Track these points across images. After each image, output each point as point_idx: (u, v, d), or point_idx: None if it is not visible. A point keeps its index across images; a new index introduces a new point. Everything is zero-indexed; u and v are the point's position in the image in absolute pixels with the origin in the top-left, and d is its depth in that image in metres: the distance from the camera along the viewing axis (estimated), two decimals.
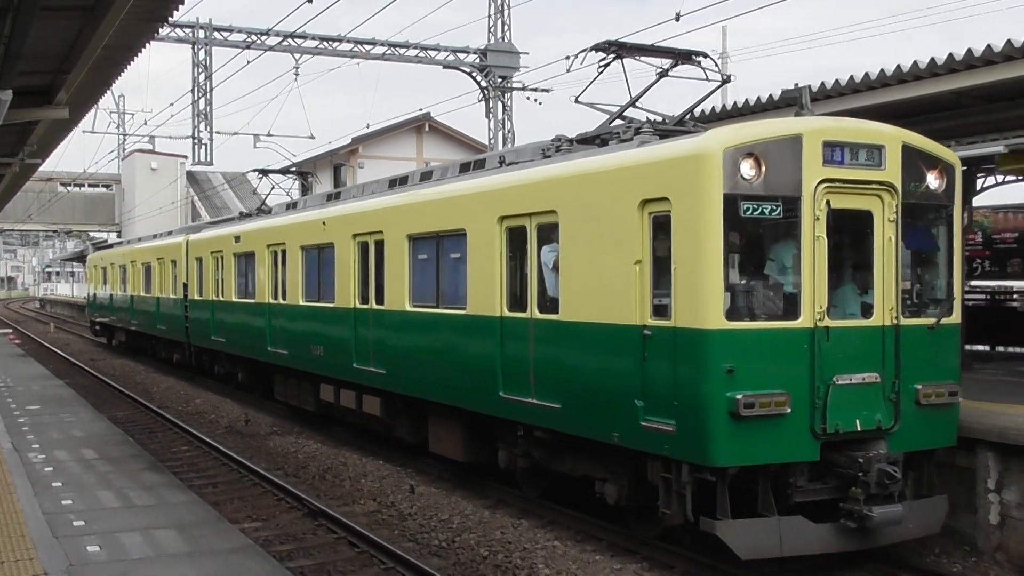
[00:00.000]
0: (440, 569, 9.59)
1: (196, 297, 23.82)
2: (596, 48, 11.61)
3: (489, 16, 36.01)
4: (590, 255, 10.04)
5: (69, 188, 61.57)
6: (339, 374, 15.82)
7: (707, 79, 11.65)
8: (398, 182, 15.43)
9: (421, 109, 42.11)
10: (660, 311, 9.17)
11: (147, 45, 13.80)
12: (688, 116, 11.71)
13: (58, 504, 10.72)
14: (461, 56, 36.27)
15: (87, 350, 38.36)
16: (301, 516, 11.92)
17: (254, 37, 34.04)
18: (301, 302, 17.26)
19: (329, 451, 15.91)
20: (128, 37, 12.56)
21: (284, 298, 18.06)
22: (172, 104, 65.10)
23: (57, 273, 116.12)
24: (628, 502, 10.09)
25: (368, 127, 40.95)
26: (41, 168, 28.90)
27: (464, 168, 13.60)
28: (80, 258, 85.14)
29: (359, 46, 34.85)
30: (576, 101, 11.92)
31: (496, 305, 11.43)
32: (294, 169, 28.76)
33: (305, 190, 25.56)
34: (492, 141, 36.93)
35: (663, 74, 11.79)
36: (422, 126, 44.49)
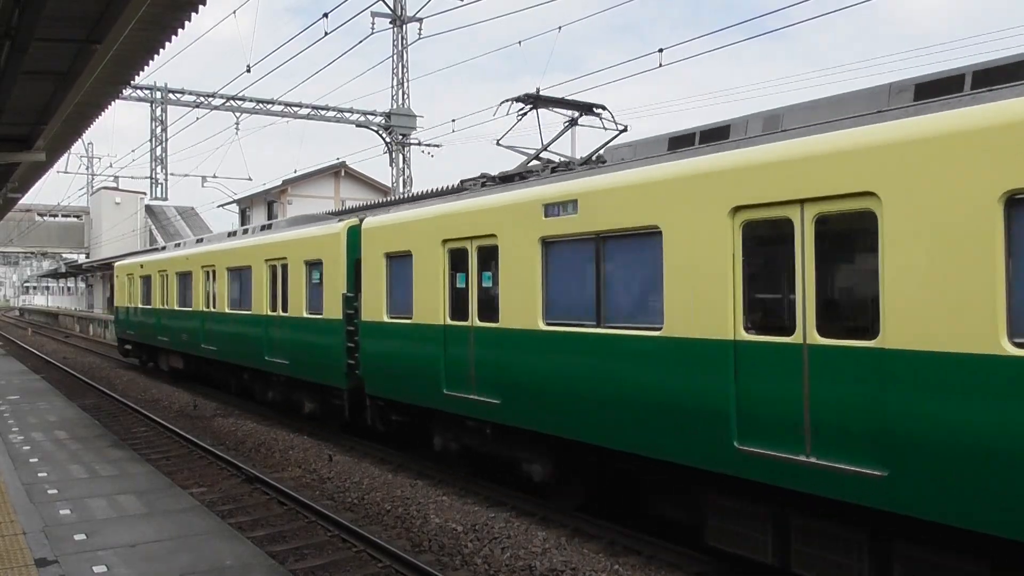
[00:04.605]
0: (353, 521, 9.48)
1: (386, 319, 11.61)
2: (516, 99, 10.14)
3: (392, 87, 35.99)
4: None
5: (45, 218, 58.72)
6: None
7: (604, 128, 10.13)
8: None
9: (338, 158, 41.80)
10: None
11: (112, 103, 13.38)
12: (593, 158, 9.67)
13: (35, 476, 10.20)
14: (370, 117, 36.09)
15: (60, 350, 36.30)
16: (240, 482, 11.58)
17: (202, 99, 33.16)
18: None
19: (263, 429, 15.48)
20: (96, 96, 12.19)
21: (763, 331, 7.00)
22: (133, 151, 62.78)
23: (34, 287, 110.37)
24: None
25: (295, 171, 40.62)
26: (21, 201, 27.48)
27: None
28: (54, 274, 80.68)
29: (288, 107, 34.33)
30: (498, 143, 10.45)
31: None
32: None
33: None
34: (395, 185, 36.79)
35: (573, 123, 10.08)
36: (339, 171, 43.99)
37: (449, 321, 10.30)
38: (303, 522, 9.61)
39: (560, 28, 21.88)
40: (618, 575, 7.65)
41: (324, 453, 13.09)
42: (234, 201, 43.37)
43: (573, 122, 10.18)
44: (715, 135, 7.69)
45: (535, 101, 10.03)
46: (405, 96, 36.06)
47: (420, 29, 33.94)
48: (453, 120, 65.35)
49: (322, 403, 14.46)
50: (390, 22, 34.55)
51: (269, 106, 33.90)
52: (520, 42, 24.70)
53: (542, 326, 8.75)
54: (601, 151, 9.82)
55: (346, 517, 9.63)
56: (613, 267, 8.05)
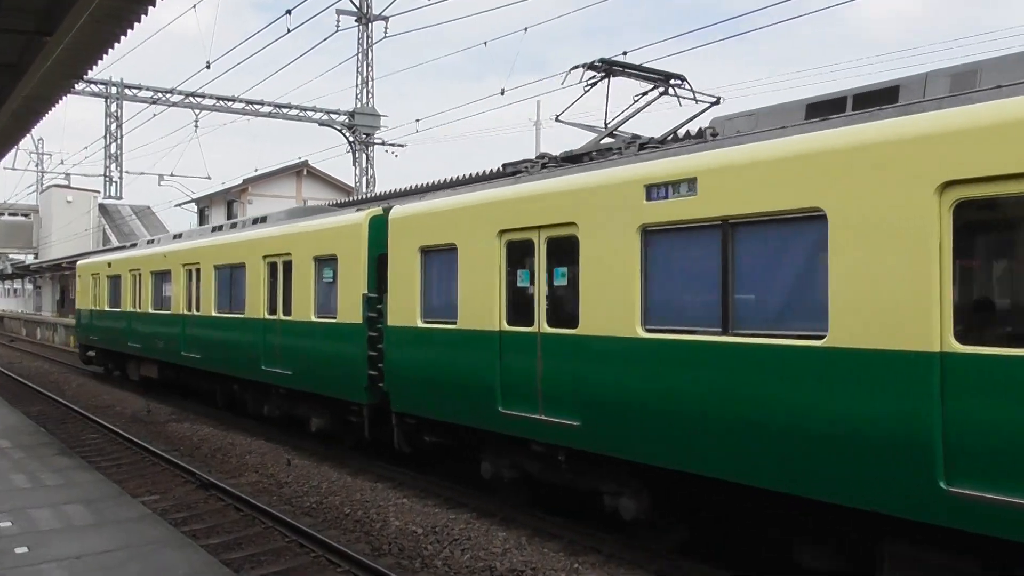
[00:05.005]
0: (311, 526, 9.34)
1: (420, 324, 10.15)
2: (588, 66, 8.91)
3: (356, 85, 35.81)
4: None
5: None
6: None
7: (680, 103, 9.09)
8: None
9: (300, 157, 41.55)
10: None
11: (63, 98, 13.07)
12: (671, 136, 8.45)
13: None
14: (333, 116, 35.84)
15: (5, 355, 35.38)
16: (194, 488, 11.35)
17: (160, 95, 32.62)
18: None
19: (219, 433, 15.22)
20: (46, 90, 11.91)
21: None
22: (87, 147, 61.60)
23: None
24: None
25: (256, 171, 40.25)
26: None
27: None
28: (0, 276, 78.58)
29: (250, 105, 33.95)
30: (557, 119, 9.48)
31: None
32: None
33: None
34: (357, 184, 36.55)
35: (663, 92, 8.95)
36: (301, 171, 43.69)
37: (506, 326, 8.82)
38: (259, 528, 9.44)
39: (526, 29, 21.90)
40: (578, 573, 7.65)
41: (283, 457, 12.91)
42: (192, 200, 42.78)
43: (664, 92, 9.05)
44: (878, 98, 6.47)
45: (609, 68, 8.88)
46: (369, 95, 35.88)
47: (386, 27, 33.84)
48: (417, 120, 65.12)
49: (334, 419, 12.72)
50: (355, 20, 34.35)
51: (230, 103, 33.51)
52: (486, 42, 24.64)
53: (641, 333, 7.31)
54: (690, 124, 8.75)
55: (304, 522, 9.49)
56: (747, 260, 6.58)
